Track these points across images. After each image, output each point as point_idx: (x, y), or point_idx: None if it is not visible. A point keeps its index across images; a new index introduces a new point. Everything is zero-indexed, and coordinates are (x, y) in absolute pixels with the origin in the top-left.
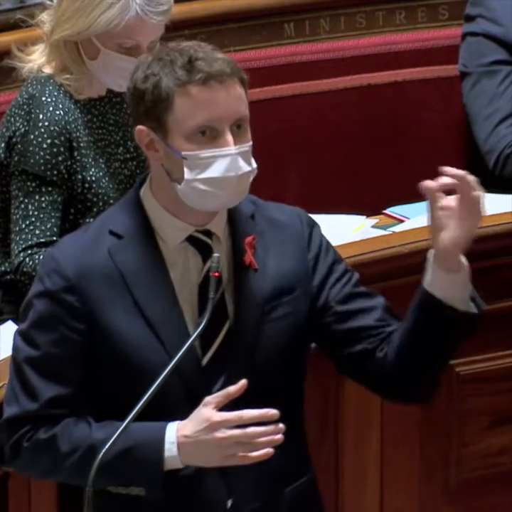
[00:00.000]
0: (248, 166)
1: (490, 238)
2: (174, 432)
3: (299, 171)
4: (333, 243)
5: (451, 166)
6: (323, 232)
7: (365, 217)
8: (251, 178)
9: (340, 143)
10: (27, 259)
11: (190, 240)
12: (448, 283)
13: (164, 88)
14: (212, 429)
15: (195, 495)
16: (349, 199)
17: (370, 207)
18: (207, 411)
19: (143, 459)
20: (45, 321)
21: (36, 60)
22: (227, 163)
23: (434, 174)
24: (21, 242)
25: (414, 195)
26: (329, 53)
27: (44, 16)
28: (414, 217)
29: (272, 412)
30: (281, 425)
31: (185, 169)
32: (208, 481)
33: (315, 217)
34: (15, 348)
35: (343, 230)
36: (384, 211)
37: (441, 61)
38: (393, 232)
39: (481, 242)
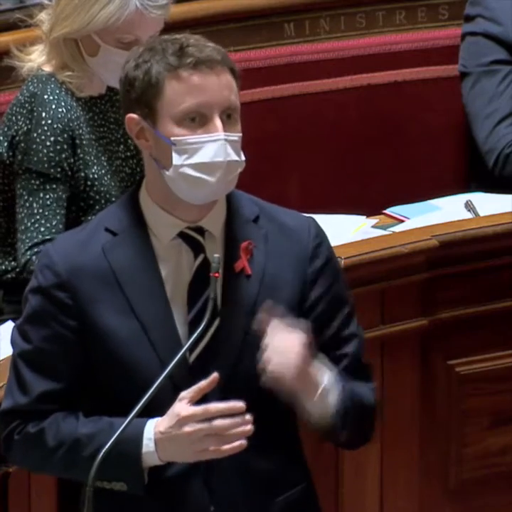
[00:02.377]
0: (236, 156)
1: (490, 238)
2: (152, 428)
3: (299, 171)
4: (333, 243)
5: (451, 165)
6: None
7: (365, 217)
8: (239, 170)
9: (340, 143)
10: (33, 257)
11: (183, 236)
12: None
13: (155, 74)
14: (181, 423)
15: (177, 501)
16: (349, 199)
17: (370, 207)
18: (179, 406)
19: (122, 453)
20: (38, 317)
21: (35, 59)
22: (216, 149)
23: (434, 174)
24: (27, 240)
25: (414, 195)
26: (329, 53)
27: (43, 16)
28: (414, 217)
29: (239, 404)
30: (248, 416)
31: (174, 154)
32: (191, 487)
33: (315, 217)
34: (12, 343)
35: (343, 230)
36: (384, 211)
37: (441, 61)
38: (393, 232)
39: (481, 242)
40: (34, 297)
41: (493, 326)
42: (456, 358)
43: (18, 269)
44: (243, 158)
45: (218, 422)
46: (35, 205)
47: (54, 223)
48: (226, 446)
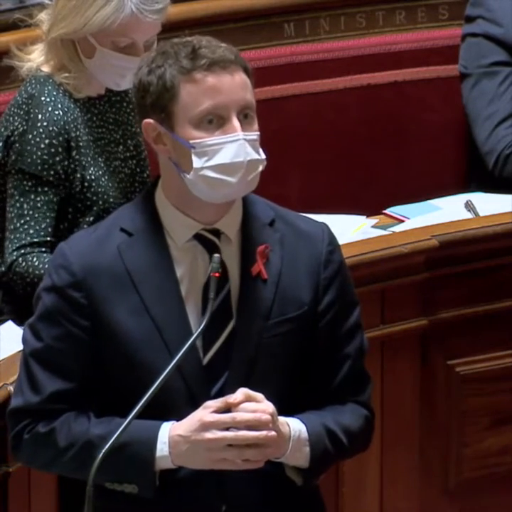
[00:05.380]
0: (256, 154)
1: (490, 238)
2: (167, 431)
3: (299, 171)
4: None
5: (451, 165)
6: None
7: (365, 217)
8: (260, 169)
9: (340, 143)
10: (20, 259)
11: (199, 238)
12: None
13: (169, 77)
14: (203, 429)
15: (189, 499)
16: (349, 199)
17: (370, 207)
18: (202, 412)
19: (135, 456)
20: (51, 316)
21: (35, 59)
22: (235, 149)
23: (434, 174)
24: (15, 240)
25: (414, 195)
26: (329, 53)
27: (42, 15)
28: (414, 217)
29: (265, 417)
30: (273, 432)
31: (194, 158)
32: (202, 486)
33: (315, 217)
34: (23, 340)
35: (343, 230)
36: (384, 211)
37: (441, 61)
38: (393, 232)
39: (481, 242)
40: (48, 296)
41: (493, 326)
42: (456, 358)
43: (4, 269)
44: (263, 155)
45: (244, 434)
46: (25, 206)
47: (43, 226)
48: (244, 463)
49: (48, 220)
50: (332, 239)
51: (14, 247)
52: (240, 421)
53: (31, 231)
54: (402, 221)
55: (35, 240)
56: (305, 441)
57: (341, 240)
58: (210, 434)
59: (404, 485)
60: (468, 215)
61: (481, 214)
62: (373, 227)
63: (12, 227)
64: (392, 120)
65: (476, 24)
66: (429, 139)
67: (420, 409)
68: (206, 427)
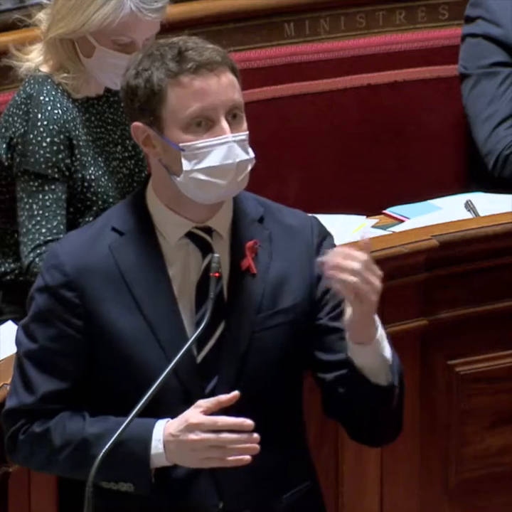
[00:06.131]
0: (245, 155)
1: (490, 238)
2: (162, 429)
3: (299, 171)
4: None
5: (451, 165)
6: None
7: (365, 217)
8: (249, 167)
9: (340, 143)
10: (36, 259)
11: (191, 236)
12: (360, 353)
13: (156, 81)
14: (188, 430)
15: (186, 497)
16: (349, 199)
17: (370, 207)
18: (191, 412)
19: (130, 454)
20: (44, 316)
21: (34, 59)
22: (225, 152)
23: (434, 174)
24: (29, 242)
25: (414, 195)
26: (329, 53)
27: (41, 15)
28: (414, 217)
29: (248, 422)
30: (255, 435)
31: (184, 160)
32: (199, 484)
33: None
34: (17, 342)
35: (343, 230)
36: (384, 211)
37: (441, 61)
38: (393, 232)
39: (481, 242)
40: (41, 296)
41: (493, 326)
42: (456, 358)
43: (23, 271)
44: (252, 154)
45: (225, 436)
46: (34, 206)
47: (54, 224)
48: (230, 458)
49: (58, 218)
50: (321, 229)
51: (29, 249)
52: (220, 425)
53: (44, 230)
54: (402, 221)
55: (49, 238)
56: (386, 342)
57: (341, 240)
58: (193, 436)
59: (404, 485)
60: (468, 215)
61: (481, 214)
62: (373, 227)
63: (24, 230)
64: (392, 120)
65: (476, 25)
66: (429, 139)
67: (420, 409)
68: (191, 428)
